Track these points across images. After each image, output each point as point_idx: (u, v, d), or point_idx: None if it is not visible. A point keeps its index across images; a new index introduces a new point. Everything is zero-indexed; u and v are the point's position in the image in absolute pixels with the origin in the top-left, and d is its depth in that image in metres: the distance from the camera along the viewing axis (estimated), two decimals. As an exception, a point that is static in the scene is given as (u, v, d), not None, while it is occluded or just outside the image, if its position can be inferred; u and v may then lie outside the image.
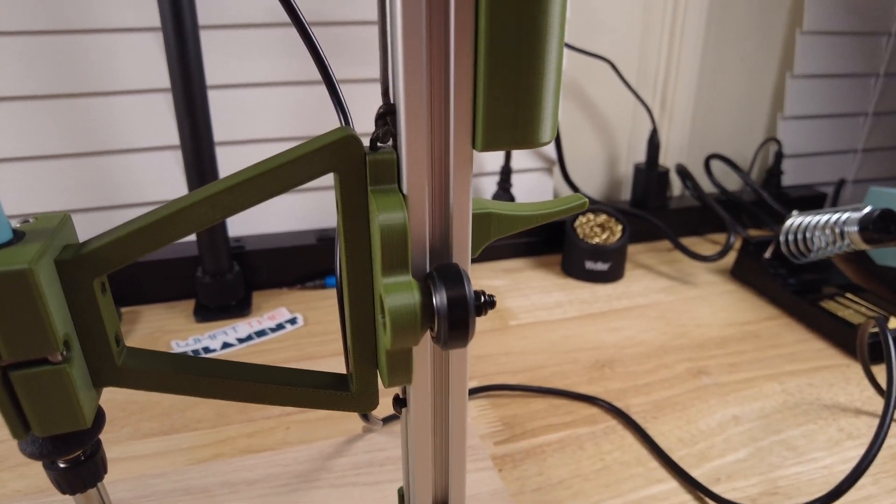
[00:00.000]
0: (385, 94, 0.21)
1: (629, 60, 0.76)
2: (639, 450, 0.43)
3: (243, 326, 0.58)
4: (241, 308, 0.61)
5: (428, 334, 0.22)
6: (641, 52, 0.76)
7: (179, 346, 0.55)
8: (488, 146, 0.20)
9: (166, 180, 0.63)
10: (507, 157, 0.71)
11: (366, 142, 0.22)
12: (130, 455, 0.43)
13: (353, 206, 0.22)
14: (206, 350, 0.55)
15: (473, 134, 0.21)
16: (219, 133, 0.57)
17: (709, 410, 0.47)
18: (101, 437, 0.45)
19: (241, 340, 0.56)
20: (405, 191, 0.21)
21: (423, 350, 0.24)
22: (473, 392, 0.49)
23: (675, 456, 0.42)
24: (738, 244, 0.70)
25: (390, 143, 0.22)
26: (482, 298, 0.22)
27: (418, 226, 0.22)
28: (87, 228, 0.63)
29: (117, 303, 0.61)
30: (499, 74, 0.19)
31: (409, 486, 0.28)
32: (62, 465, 0.24)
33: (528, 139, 0.20)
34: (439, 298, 0.20)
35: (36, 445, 0.23)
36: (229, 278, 0.60)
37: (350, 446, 0.41)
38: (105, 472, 0.26)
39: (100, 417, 0.24)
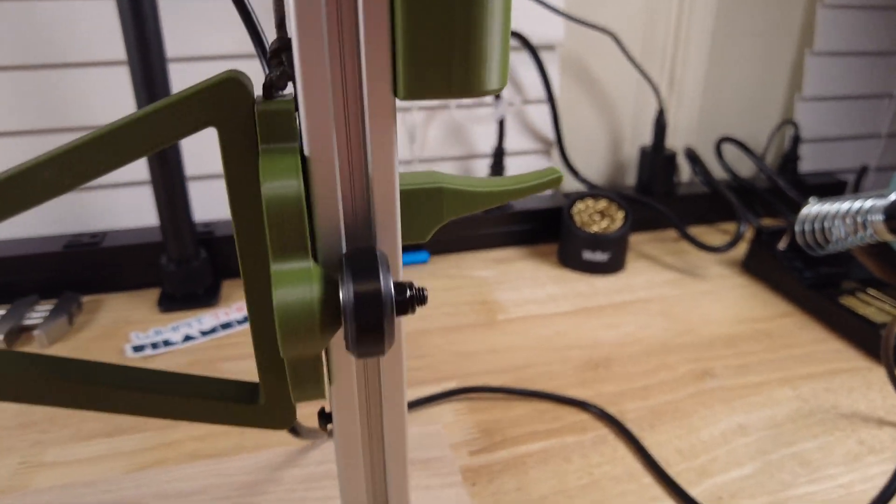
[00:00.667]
0: (280, 25, 0.16)
1: (634, 33, 0.71)
2: (632, 463, 0.39)
3: (209, 318, 0.54)
4: (208, 297, 0.56)
5: None
6: (648, 24, 0.71)
7: (139, 338, 0.51)
8: (413, 92, 0.15)
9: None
10: (500, 138, 0.66)
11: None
12: (69, 459, 0.39)
13: (240, 171, 0.17)
14: (167, 343, 0.51)
15: (394, 77, 0.16)
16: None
17: (713, 418, 0.42)
18: (39, 436, 0.41)
19: (204, 333, 0.52)
20: (307, 151, 0.16)
21: (347, 356, 0.19)
22: (448, 395, 0.44)
23: (673, 471, 0.38)
24: (750, 234, 0.65)
25: (291, 90, 0.17)
26: (408, 292, 0.17)
27: (327, 197, 0.17)
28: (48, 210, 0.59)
29: (79, 290, 0.56)
30: None
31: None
32: None
33: (467, 84, 0.15)
34: (345, 293, 0.16)
35: None
36: (195, 265, 0.56)
37: (304, 456, 0.37)
38: None
39: None
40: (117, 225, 0.62)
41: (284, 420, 0.21)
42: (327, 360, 0.20)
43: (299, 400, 0.18)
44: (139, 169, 0.58)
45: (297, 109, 0.16)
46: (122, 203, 0.61)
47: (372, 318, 0.15)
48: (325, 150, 0.16)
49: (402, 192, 0.19)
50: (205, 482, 0.35)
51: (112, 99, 0.57)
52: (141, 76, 0.48)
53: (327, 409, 0.22)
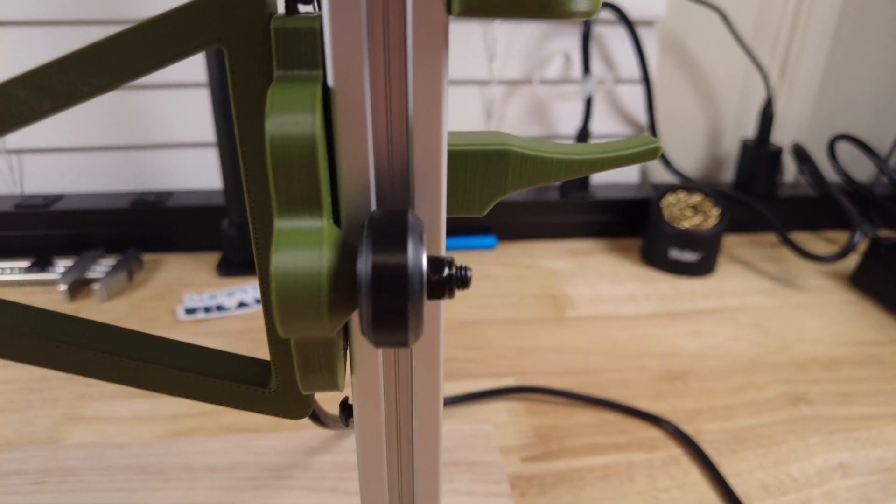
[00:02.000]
0: None
1: (745, 10, 0.63)
2: (706, 491, 0.33)
3: (265, 286, 0.52)
4: (267, 265, 0.55)
5: None
6: (762, 0, 0.63)
7: (193, 300, 0.50)
8: (472, 6, 0.12)
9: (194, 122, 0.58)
10: (586, 118, 0.61)
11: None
12: (108, 416, 0.38)
13: (251, 103, 0.14)
14: (220, 308, 0.49)
15: None
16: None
17: (806, 451, 0.37)
18: (84, 389, 0.41)
19: (259, 301, 0.50)
20: (332, 82, 0.13)
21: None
22: (504, 392, 0.40)
23: (755, 508, 0.32)
24: (863, 246, 0.57)
25: (316, 4, 0.14)
26: (445, 271, 0.13)
27: (354, 143, 0.13)
28: (119, 166, 0.59)
29: (142, 247, 0.56)
30: None
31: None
32: None
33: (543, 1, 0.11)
34: (361, 264, 0.12)
35: None
36: (257, 231, 0.54)
37: (339, 442, 0.34)
38: None
39: None
40: (183, 186, 0.61)
41: (298, 409, 0.18)
42: (349, 344, 0.16)
43: (308, 390, 0.15)
44: (206, 130, 0.57)
45: (323, 28, 0.13)
46: (189, 164, 0.61)
47: (392, 299, 0.12)
48: (354, 82, 0.13)
49: (458, 153, 0.16)
50: (234, 459, 0.33)
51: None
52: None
53: (350, 401, 0.18)
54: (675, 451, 0.36)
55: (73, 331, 0.17)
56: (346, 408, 0.19)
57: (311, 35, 0.13)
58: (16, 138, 0.57)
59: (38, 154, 0.59)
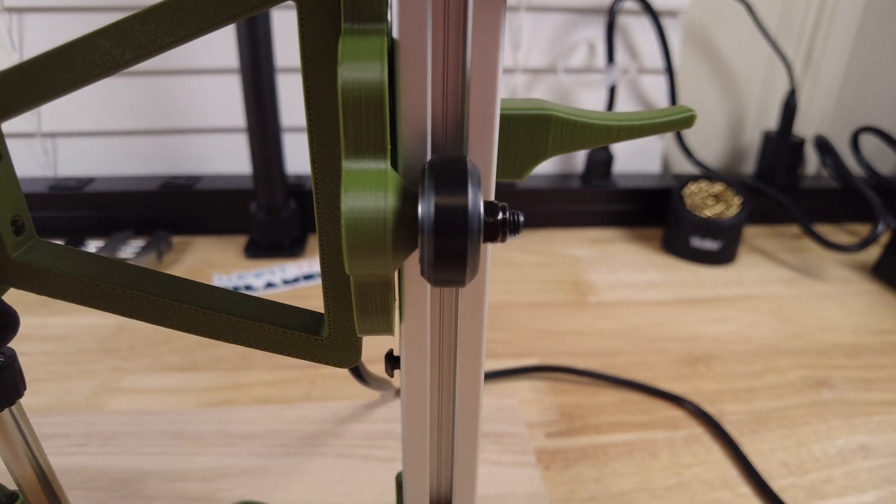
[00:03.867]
0: None
1: (770, 1, 0.63)
2: (727, 469, 0.34)
3: (292, 268, 0.53)
4: (293, 248, 0.56)
5: None
6: (788, -5, 0.64)
7: (222, 280, 0.51)
8: None
9: (224, 107, 0.59)
10: (609, 106, 0.61)
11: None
12: (143, 388, 0.39)
13: (319, 52, 0.14)
14: (248, 288, 0.50)
15: None
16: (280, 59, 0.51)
17: (828, 433, 0.37)
18: (119, 363, 0.42)
19: (286, 282, 0.51)
20: (396, 34, 0.14)
21: (422, 289, 0.17)
22: (528, 371, 0.41)
23: (776, 485, 0.33)
24: (886, 237, 0.57)
25: None
26: (500, 214, 0.14)
27: (414, 93, 0.14)
28: (149, 150, 0.60)
29: (171, 229, 0.57)
30: None
31: (405, 475, 0.21)
32: None
33: None
34: (424, 205, 0.13)
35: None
36: (284, 216, 0.55)
37: (370, 412, 0.35)
38: (19, 394, 0.20)
39: (2, 325, 0.19)
40: (212, 170, 0.62)
41: (348, 357, 0.18)
42: (400, 291, 0.17)
43: (364, 332, 0.16)
44: (236, 115, 0.59)
45: None
46: (218, 149, 0.62)
47: (454, 238, 0.13)
48: (417, 35, 0.14)
49: (501, 117, 0.16)
50: (268, 427, 0.34)
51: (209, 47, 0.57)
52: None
53: (395, 353, 0.19)
54: (697, 430, 0.37)
55: (144, 280, 0.18)
56: (391, 359, 0.19)
57: None
58: (50, 122, 0.59)
59: (71, 138, 0.60)
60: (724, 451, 0.35)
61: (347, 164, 0.14)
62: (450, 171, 0.13)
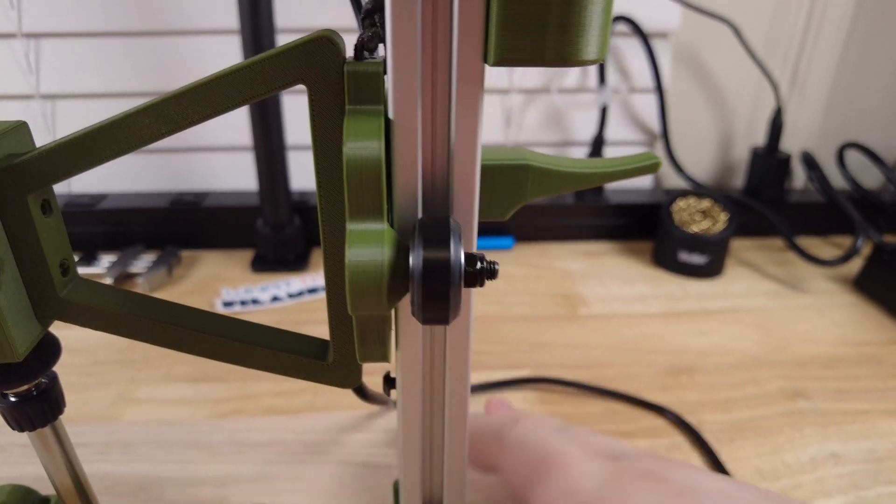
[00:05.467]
0: None
1: (758, 22, 0.66)
2: (706, 476, 0.36)
3: (297, 282, 0.56)
4: (298, 263, 0.59)
5: None
6: (775, 13, 0.66)
7: (230, 294, 0.54)
8: (504, 57, 0.15)
9: (231, 127, 0.61)
10: (601, 126, 0.64)
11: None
12: (157, 398, 0.41)
13: (327, 129, 0.17)
14: (255, 301, 0.53)
15: (486, 42, 0.15)
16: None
17: (801, 441, 0.39)
18: (134, 374, 0.44)
19: (291, 295, 0.54)
20: (391, 115, 0.16)
21: (414, 324, 0.19)
22: (520, 382, 0.43)
23: (751, 491, 0.35)
24: (867, 250, 0.59)
25: (382, 52, 0.17)
26: (478, 265, 0.16)
27: (407, 163, 0.17)
28: (159, 168, 0.63)
29: (180, 244, 0.60)
30: None
31: (401, 482, 0.24)
32: (13, 399, 0.22)
33: (563, 51, 0.15)
34: (414, 258, 0.15)
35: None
36: (289, 232, 0.58)
37: (371, 422, 0.37)
38: (60, 411, 0.23)
39: (48, 352, 0.22)
40: (219, 187, 0.65)
41: (350, 379, 0.21)
42: (396, 326, 0.20)
43: (365, 360, 0.18)
44: (242, 135, 0.61)
45: (385, 72, 0.16)
46: (225, 166, 0.64)
47: (438, 286, 0.15)
48: (409, 115, 0.16)
49: (485, 167, 0.19)
50: (276, 436, 0.36)
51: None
52: (251, 44, 0.50)
53: (392, 375, 0.22)
54: (678, 438, 0.39)
55: (168, 312, 0.21)
56: (389, 380, 0.22)
57: (376, 77, 0.16)
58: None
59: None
60: (703, 458, 0.38)
61: (351, 225, 0.16)
62: (436, 229, 0.16)
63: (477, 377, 0.44)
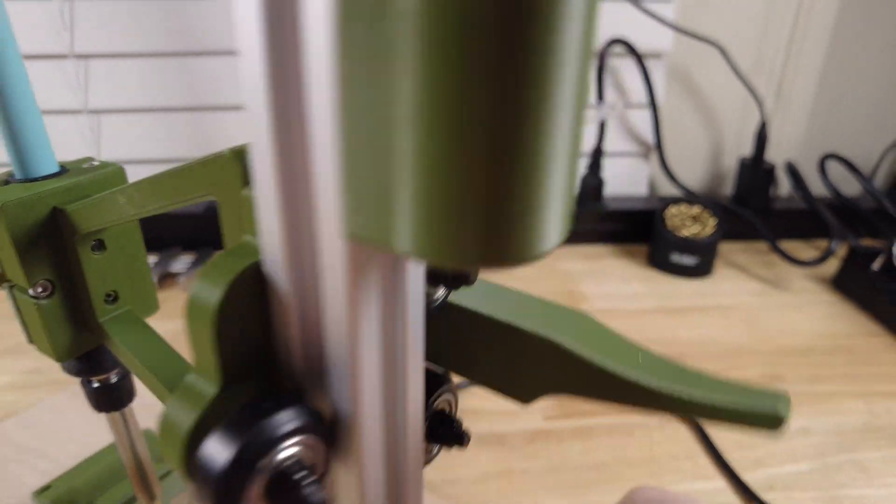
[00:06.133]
0: None
1: (745, 43, 0.72)
2: (691, 445, 0.42)
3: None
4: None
5: None
6: (759, 34, 0.72)
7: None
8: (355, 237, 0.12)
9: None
10: (600, 139, 0.69)
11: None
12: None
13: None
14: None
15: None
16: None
17: (777, 418, 0.45)
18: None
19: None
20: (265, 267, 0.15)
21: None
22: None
23: (730, 456, 0.40)
24: (843, 252, 0.65)
25: None
26: (297, 477, 0.14)
27: (287, 324, 0.14)
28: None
29: (215, 247, 0.65)
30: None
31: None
32: (95, 385, 0.27)
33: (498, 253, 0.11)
34: (202, 446, 0.14)
35: (68, 365, 0.26)
36: (314, 234, 0.63)
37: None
38: (129, 400, 0.28)
39: (95, 360, 0.26)
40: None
41: None
42: None
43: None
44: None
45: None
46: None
47: (209, 486, 0.13)
48: (285, 268, 0.14)
49: (491, 321, 0.16)
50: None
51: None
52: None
53: None
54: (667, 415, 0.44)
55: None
56: None
57: None
58: (107, 151, 0.67)
59: (126, 165, 0.68)
60: (690, 431, 0.43)
61: (187, 377, 0.15)
62: (245, 409, 0.14)
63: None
